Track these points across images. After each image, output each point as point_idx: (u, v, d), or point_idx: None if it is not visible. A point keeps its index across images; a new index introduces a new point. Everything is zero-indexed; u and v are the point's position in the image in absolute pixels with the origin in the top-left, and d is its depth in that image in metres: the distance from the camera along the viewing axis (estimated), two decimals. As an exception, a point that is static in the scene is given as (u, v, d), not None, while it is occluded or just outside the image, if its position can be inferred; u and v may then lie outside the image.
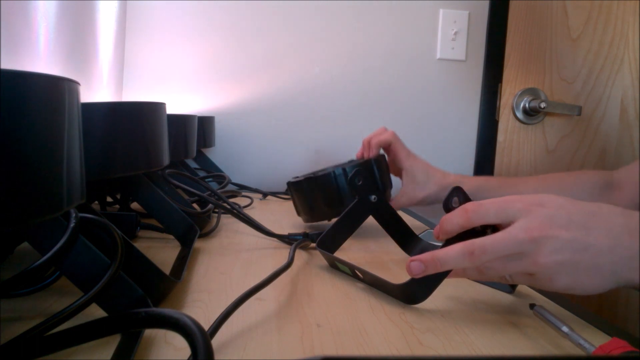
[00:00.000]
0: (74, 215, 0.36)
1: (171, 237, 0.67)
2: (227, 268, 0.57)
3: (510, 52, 1.36)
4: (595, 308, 1.34)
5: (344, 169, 0.76)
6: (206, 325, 0.35)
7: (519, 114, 1.38)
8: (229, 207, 0.73)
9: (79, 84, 0.31)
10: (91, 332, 0.30)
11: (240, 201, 1.02)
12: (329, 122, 1.29)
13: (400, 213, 0.75)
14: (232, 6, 1.23)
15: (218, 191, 0.82)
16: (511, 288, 0.51)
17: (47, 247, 0.34)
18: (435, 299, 0.48)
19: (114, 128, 0.49)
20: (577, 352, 0.38)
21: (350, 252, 0.67)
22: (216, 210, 0.83)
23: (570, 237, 0.39)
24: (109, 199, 0.78)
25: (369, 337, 0.40)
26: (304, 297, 0.48)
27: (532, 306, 0.44)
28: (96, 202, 0.74)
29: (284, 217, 0.89)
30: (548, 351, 0.39)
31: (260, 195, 1.14)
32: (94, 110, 0.47)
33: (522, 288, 0.53)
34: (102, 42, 1.03)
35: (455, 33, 1.30)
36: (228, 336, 0.38)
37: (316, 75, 1.28)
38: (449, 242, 0.44)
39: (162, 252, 0.63)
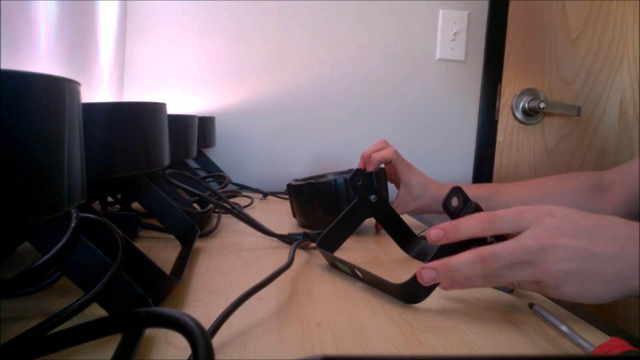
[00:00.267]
0: (74, 215, 0.36)
1: (172, 237, 0.67)
2: (228, 268, 0.57)
3: (510, 53, 1.36)
4: (594, 308, 1.34)
5: (345, 179, 0.77)
6: (207, 324, 0.35)
7: (519, 114, 1.38)
8: (229, 207, 0.73)
9: (79, 84, 0.31)
10: (92, 331, 0.30)
11: (241, 201, 1.02)
12: (328, 121, 1.29)
13: (400, 213, 0.75)
14: (233, 6, 1.23)
15: (218, 191, 0.82)
16: (510, 288, 0.51)
17: (48, 247, 0.34)
18: (435, 299, 0.48)
19: (115, 128, 0.49)
20: (576, 351, 0.38)
21: (350, 252, 0.67)
22: (216, 210, 0.83)
23: (577, 246, 0.39)
24: (109, 199, 0.78)
25: (369, 336, 0.40)
26: (304, 297, 0.48)
27: (531, 306, 0.44)
28: (97, 202, 0.74)
29: (284, 217, 0.90)
30: (547, 350, 0.39)
31: (260, 195, 1.14)
32: (94, 110, 0.47)
33: (521, 288, 0.53)
34: (103, 43, 1.03)
35: (455, 33, 1.30)
36: (228, 335, 0.38)
37: (316, 75, 1.28)
38: (443, 246, 0.44)
39: (162, 251, 0.63)
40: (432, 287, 0.46)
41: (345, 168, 0.99)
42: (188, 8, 1.21)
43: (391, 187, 0.87)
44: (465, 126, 1.35)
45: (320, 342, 0.38)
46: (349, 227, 0.64)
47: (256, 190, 1.15)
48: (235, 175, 1.24)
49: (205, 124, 1.11)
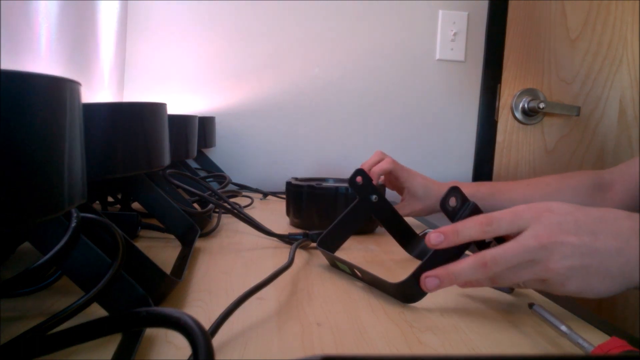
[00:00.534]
0: (75, 215, 0.36)
1: (172, 236, 0.67)
2: (228, 268, 0.57)
3: (509, 53, 1.36)
4: (594, 307, 1.34)
5: (346, 189, 0.77)
6: (207, 324, 0.35)
7: (518, 115, 1.38)
8: (229, 206, 0.73)
9: (80, 84, 0.31)
10: (92, 331, 0.30)
11: (241, 201, 1.02)
12: (328, 121, 1.29)
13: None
14: (233, 6, 1.23)
15: (218, 191, 0.82)
16: (510, 288, 0.51)
17: (48, 247, 0.34)
18: (435, 298, 0.48)
19: (115, 128, 0.49)
20: (576, 351, 0.38)
21: (351, 251, 0.67)
22: (217, 210, 0.83)
23: (579, 242, 0.39)
24: (110, 199, 0.78)
25: (369, 336, 0.40)
26: (304, 297, 0.48)
27: (531, 305, 0.44)
28: (97, 202, 0.75)
29: (284, 217, 0.90)
30: (547, 350, 0.39)
31: (260, 195, 1.14)
32: (95, 110, 0.47)
33: (521, 288, 0.53)
34: (103, 43, 1.03)
35: (455, 34, 1.31)
36: (229, 335, 0.39)
37: (316, 75, 1.28)
38: (438, 250, 0.44)
39: (163, 251, 0.63)
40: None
41: (346, 170, 0.99)
42: (189, 8, 1.22)
43: (394, 194, 0.88)
44: (465, 126, 1.35)
45: (320, 342, 0.38)
46: (349, 227, 0.64)
47: (256, 190, 1.15)
48: (235, 175, 1.24)
49: (205, 124, 1.11)
